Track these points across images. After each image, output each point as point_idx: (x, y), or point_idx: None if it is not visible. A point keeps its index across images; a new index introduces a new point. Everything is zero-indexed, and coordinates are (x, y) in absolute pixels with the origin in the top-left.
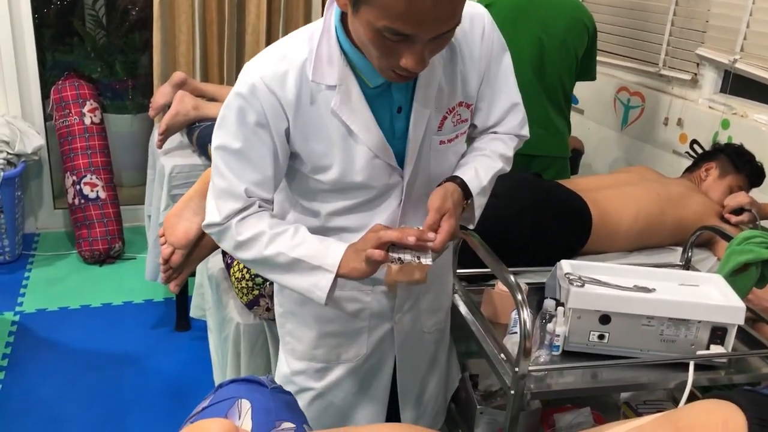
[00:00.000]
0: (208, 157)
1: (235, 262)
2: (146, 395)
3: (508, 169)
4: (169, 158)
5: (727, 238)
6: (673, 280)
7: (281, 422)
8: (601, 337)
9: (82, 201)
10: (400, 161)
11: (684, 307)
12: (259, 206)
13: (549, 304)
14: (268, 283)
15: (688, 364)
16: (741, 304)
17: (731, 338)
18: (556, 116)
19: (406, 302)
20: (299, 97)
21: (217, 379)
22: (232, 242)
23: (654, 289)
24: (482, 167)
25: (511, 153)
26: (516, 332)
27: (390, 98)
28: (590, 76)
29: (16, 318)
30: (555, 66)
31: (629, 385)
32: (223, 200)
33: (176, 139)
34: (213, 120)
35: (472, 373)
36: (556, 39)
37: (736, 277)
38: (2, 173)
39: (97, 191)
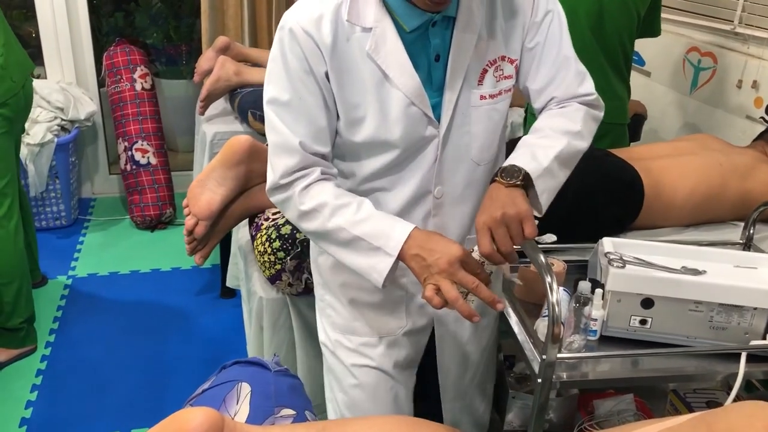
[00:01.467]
0: (249, 124)
1: (259, 234)
2: (188, 360)
3: (583, 145)
4: (210, 125)
5: None
6: (728, 261)
7: (281, 408)
8: (643, 322)
9: (134, 167)
10: (437, 115)
11: (737, 291)
12: (322, 173)
13: (584, 286)
14: (289, 258)
15: (739, 354)
16: None
17: None
18: (615, 80)
19: None
20: (335, 40)
21: (251, 351)
22: (296, 212)
23: (704, 272)
24: (540, 148)
25: (578, 126)
26: (548, 316)
27: (427, 44)
28: (654, 32)
29: (69, 282)
30: (615, 25)
31: (673, 376)
32: (278, 156)
33: (220, 105)
34: (255, 86)
35: (507, 354)
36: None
37: None
38: (56, 139)
39: (148, 157)
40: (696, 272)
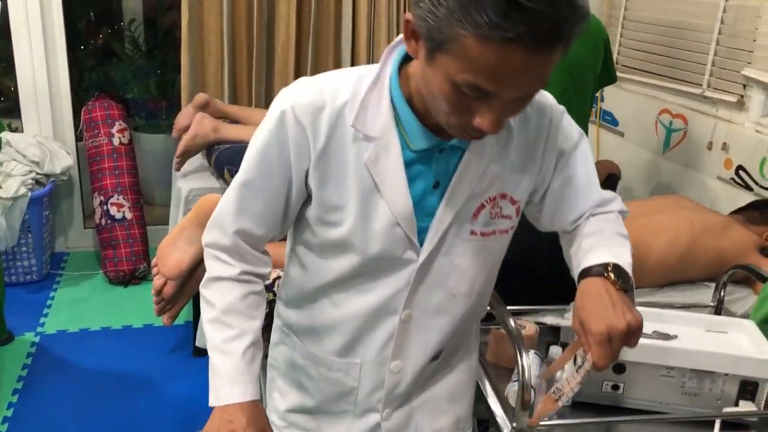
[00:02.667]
0: (225, 180)
1: None
2: (158, 421)
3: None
4: (186, 181)
5: (762, 278)
6: (699, 325)
7: None
8: (615, 387)
9: (109, 221)
10: (422, 239)
11: (708, 357)
12: (242, 272)
13: (555, 351)
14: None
15: (713, 422)
16: None
17: (764, 394)
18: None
19: (394, 389)
20: (329, 140)
21: None
22: (205, 281)
23: (675, 336)
24: (617, 249)
25: (624, 230)
26: (516, 380)
27: (429, 169)
28: (613, 79)
29: (37, 339)
30: (582, 94)
31: None
32: (215, 227)
33: (197, 161)
34: (233, 143)
35: (480, 419)
36: (582, 69)
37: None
38: (30, 193)
39: (124, 212)
40: (667, 337)
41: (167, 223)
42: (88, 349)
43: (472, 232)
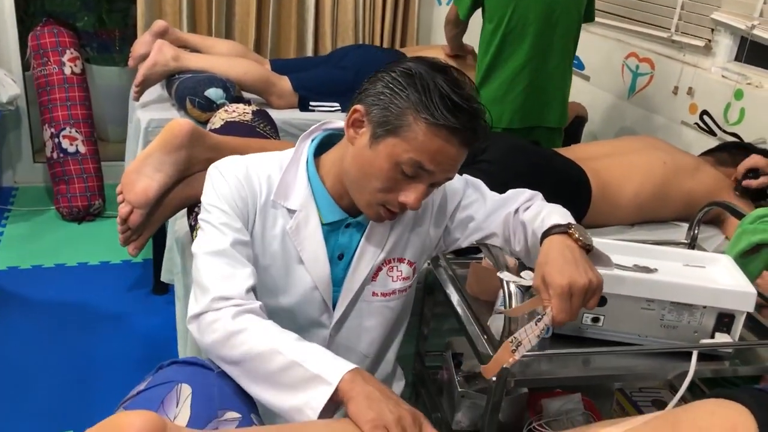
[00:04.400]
0: (187, 111)
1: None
2: (119, 360)
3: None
4: (146, 111)
5: (739, 215)
6: (677, 259)
7: (225, 411)
8: (595, 320)
9: (61, 155)
10: (334, 305)
11: (689, 290)
12: (260, 308)
13: (527, 275)
14: None
15: (689, 353)
16: (752, 290)
17: (739, 326)
18: (563, 83)
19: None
20: (266, 202)
21: (182, 352)
22: (221, 333)
23: (656, 270)
24: (565, 214)
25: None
26: (501, 312)
27: (336, 241)
28: (591, 18)
29: None
30: (564, 35)
31: (625, 375)
32: (220, 281)
33: (155, 91)
34: (194, 72)
35: (455, 352)
36: (566, 9)
37: (747, 258)
38: None
39: (77, 145)
40: (648, 270)
41: (122, 160)
42: (42, 286)
43: (374, 293)
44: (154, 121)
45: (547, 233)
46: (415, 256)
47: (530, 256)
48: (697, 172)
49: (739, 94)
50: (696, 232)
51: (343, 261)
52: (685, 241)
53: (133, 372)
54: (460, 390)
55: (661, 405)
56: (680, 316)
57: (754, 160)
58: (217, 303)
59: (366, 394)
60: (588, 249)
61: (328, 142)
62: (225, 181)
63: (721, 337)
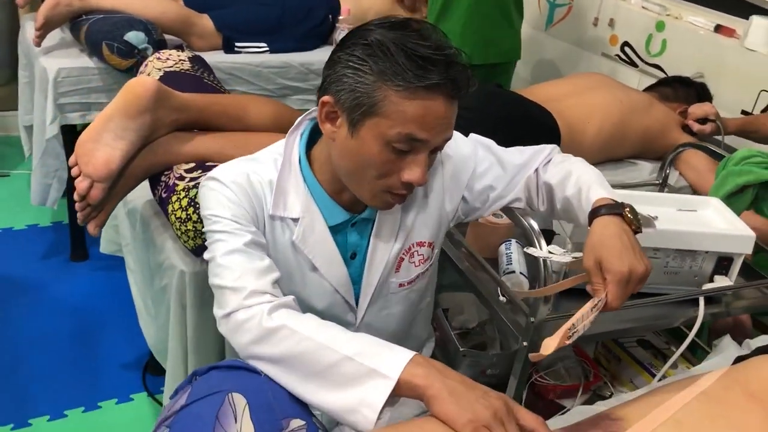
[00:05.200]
0: (103, 58)
1: (175, 198)
2: (45, 336)
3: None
4: (51, 59)
5: (719, 156)
6: (670, 205)
7: (288, 419)
8: None
9: None
10: (357, 302)
11: (693, 237)
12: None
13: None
14: None
15: (689, 298)
16: (750, 233)
17: (736, 268)
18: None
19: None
20: (272, 215)
21: (147, 330)
22: (257, 332)
23: (656, 217)
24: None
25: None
26: (513, 271)
27: (345, 241)
28: None
29: None
30: None
31: (634, 328)
32: (244, 277)
33: (57, 35)
34: (104, 12)
35: (443, 308)
36: None
37: (731, 199)
38: None
39: None
40: (648, 220)
41: (14, 109)
42: None
43: (400, 285)
44: (64, 71)
45: (597, 211)
46: (433, 235)
47: (555, 215)
48: (650, 108)
49: (660, 26)
50: (668, 172)
51: (356, 259)
52: (657, 182)
53: (66, 350)
54: (461, 350)
55: (644, 344)
56: (683, 262)
57: (705, 110)
58: (248, 300)
59: (449, 389)
60: (639, 231)
61: (317, 130)
62: (229, 189)
63: (720, 279)
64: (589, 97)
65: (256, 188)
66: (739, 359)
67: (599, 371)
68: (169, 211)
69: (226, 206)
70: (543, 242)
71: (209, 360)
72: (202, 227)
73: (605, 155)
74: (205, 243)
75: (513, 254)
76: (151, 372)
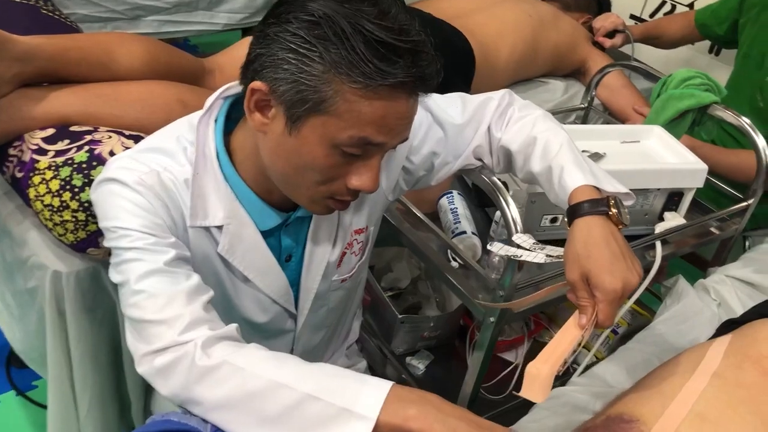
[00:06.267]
0: None
1: (38, 178)
2: None
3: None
4: None
5: (653, 78)
6: (613, 137)
7: None
8: (554, 220)
9: None
10: (296, 307)
11: (647, 175)
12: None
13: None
14: None
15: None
16: (703, 165)
17: (687, 203)
18: None
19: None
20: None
21: (11, 333)
22: (193, 373)
23: (604, 154)
24: (580, 161)
25: (536, 113)
26: (464, 231)
27: (278, 246)
28: None
29: None
30: None
31: None
32: (171, 306)
33: None
34: None
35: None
36: None
37: (671, 125)
38: None
39: None
40: (598, 156)
41: None
42: None
43: (342, 280)
44: None
45: (578, 209)
46: (369, 219)
47: (515, 174)
48: (557, 21)
49: None
50: (593, 94)
51: (292, 261)
52: (583, 106)
53: None
54: (399, 317)
55: None
56: (635, 202)
57: (613, 21)
58: (184, 334)
59: (451, 429)
60: (625, 226)
61: (233, 114)
62: (136, 193)
63: (671, 216)
64: (497, 12)
65: (171, 190)
66: (729, 322)
67: (540, 318)
68: (32, 196)
69: (135, 215)
70: (514, 227)
71: (100, 370)
72: (87, 217)
73: (518, 76)
74: (111, 261)
75: (458, 209)
76: (15, 365)
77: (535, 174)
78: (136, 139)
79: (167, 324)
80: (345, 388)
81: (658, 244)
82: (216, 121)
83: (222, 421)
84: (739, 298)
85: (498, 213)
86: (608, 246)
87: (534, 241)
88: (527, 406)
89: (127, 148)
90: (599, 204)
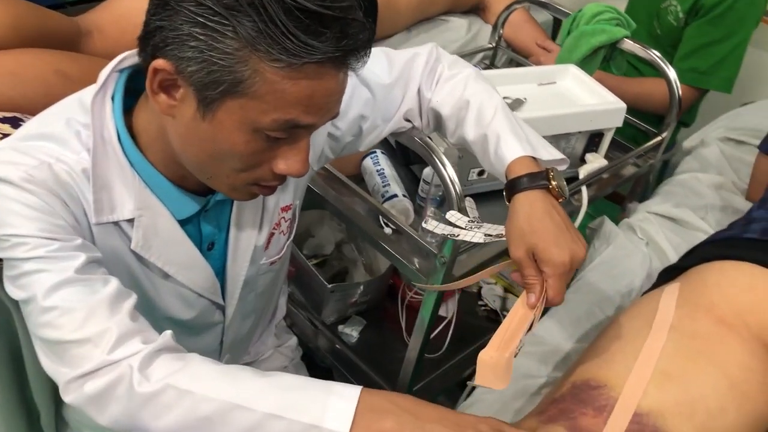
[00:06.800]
0: None
1: None
2: None
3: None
4: None
5: (563, 14)
6: (530, 80)
7: None
8: (481, 173)
9: None
10: (223, 296)
11: (567, 120)
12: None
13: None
14: None
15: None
16: (621, 104)
17: (607, 143)
18: None
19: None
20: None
21: None
22: (133, 400)
23: (525, 99)
24: (516, 127)
25: (466, 72)
26: (396, 194)
27: (197, 234)
28: None
29: None
30: None
31: None
32: (95, 321)
33: None
34: None
35: None
36: None
37: (584, 62)
38: None
39: None
40: (520, 102)
41: None
42: None
43: (271, 263)
44: None
45: (517, 183)
46: (297, 194)
47: (447, 137)
48: None
49: None
50: (501, 32)
51: (215, 250)
52: (491, 45)
53: None
54: (329, 286)
55: None
56: (557, 145)
57: None
58: (115, 352)
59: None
60: (564, 199)
61: (132, 87)
62: (27, 193)
63: (593, 158)
64: None
65: (67, 184)
66: (669, 269)
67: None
68: None
69: (28, 218)
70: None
71: None
72: None
73: (420, 16)
74: (5, 273)
75: (385, 170)
76: None
77: (469, 142)
78: (13, 123)
79: (92, 342)
80: (309, 401)
81: (584, 188)
82: (113, 99)
83: None
84: (665, 235)
85: (426, 171)
86: (552, 219)
87: (470, 218)
88: (467, 364)
89: (3, 135)
90: (538, 178)
